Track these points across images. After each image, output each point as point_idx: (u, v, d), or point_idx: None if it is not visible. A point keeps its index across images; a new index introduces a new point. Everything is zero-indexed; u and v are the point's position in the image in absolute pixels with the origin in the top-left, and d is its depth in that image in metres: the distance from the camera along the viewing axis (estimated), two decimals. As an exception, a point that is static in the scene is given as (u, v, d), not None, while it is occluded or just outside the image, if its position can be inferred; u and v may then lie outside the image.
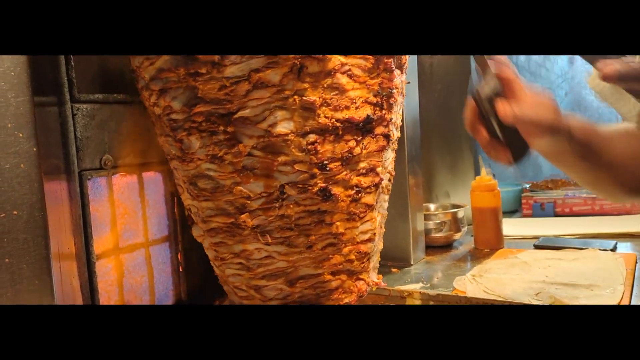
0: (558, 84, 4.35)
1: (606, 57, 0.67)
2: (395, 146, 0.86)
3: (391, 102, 0.76)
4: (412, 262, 1.36)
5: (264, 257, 0.80)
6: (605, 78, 0.67)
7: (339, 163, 0.73)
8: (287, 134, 0.71)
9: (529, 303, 1.00)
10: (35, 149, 0.57)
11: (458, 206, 1.59)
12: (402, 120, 0.97)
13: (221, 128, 0.71)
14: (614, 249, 1.37)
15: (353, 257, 0.81)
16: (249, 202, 0.75)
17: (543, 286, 1.10)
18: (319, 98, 0.70)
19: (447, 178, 1.82)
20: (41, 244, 0.58)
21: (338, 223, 0.78)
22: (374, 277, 0.88)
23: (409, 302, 1.11)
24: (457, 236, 1.54)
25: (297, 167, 0.72)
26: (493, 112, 0.77)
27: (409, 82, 0.83)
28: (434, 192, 1.82)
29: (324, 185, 0.73)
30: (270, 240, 0.77)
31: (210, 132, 0.72)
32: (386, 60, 0.74)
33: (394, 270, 1.31)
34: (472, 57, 0.75)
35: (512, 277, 1.17)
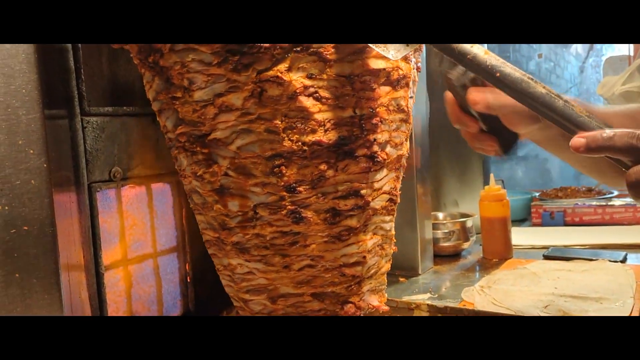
0: (567, 89, 4.32)
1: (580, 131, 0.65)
2: (402, 164, 0.84)
3: (374, 122, 0.74)
4: (420, 272, 1.36)
5: (246, 273, 0.81)
6: (575, 149, 0.63)
7: (308, 186, 0.72)
8: (253, 157, 0.71)
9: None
10: (45, 165, 0.58)
11: (467, 215, 1.59)
12: (411, 130, 0.95)
13: (198, 149, 0.73)
14: (624, 260, 1.36)
15: (336, 280, 0.80)
16: (227, 219, 0.76)
17: (552, 299, 1.09)
18: (281, 122, 0.69)
19: (456, 187, 1.82)
20: (51, 258, 0.58)
21: (314, 245, 0.77)
22: (373, 300, 0.87)
23: (417, 314, 1.11)
24: (465, 245, 1.54)
25: (266, 189, 0.73)
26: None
27: (411, 97, 0.81)
28: (443, 200, 1.82)
29: (293, 207, 0.73)
30: (248, 258, 0.78)
31: (191, 152, 0.74)
32: (363, 79, 0.72)
33: (401, 279, 1.31)
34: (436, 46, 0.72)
35: (521, 289, 1.17)
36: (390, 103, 0.75)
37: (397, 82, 0.76)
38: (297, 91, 0.68)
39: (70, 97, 0.76)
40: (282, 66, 0.66)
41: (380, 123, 0.75)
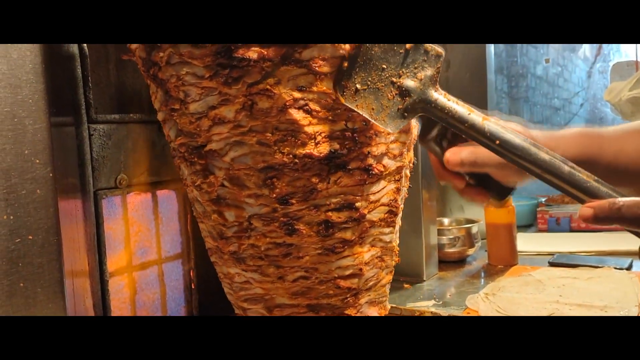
0: (575, 94, 4.31)
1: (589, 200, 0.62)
2: (404, 175, 0.83)
3: (368, 134, 0.74)
4: (424, 278, 1.35)
5: (243, 282, 0.81)
6: (584, 220, 0.61)
7: (300, 198, 0.73)
8: (246, 168, 0.72)
9: (542, 325, 0.99)
10: (51, 175, 0.58)
11: (472, 221, 1.58)
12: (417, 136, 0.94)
13: (196, 159, 0.74)
14: (629, 268, 1.35)
15: (331, 292, 0.80)
16: (224, 229, 0.77)
17: (557, 307, 1.09)
18: (272, 134, 0.69)
19: (462, 192, 1.81)
20: (55, 267, 0.59)
21: (307, 257, 0.77)
22: (372, 312, 0.87)
23: (421, 321, 1.11)
24: (470, 251, 1.53)
25: (259, 200, 0.73)
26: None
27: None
28: (449, 206, 1.81)
29: (285, 219, 0.73)
30: (245, 267, 0.79)
31: (190, 162, 0.75)
32: None
33: (406, 285, 1.31)
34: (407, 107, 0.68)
35: (526, 297, 1.16)
36: None
37: None
38: (287, 104, 0.68)
39: (77, 104, 0.77)
40: (272, 79, 0.67)
41: (375, 136, 0.75)
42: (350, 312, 0.84)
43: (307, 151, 0.69)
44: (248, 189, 0.72)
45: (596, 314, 1.04)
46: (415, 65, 0.67)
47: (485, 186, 0.73)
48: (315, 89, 0.68)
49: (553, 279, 1.28)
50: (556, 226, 1.87)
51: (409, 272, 1.35)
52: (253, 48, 0.65)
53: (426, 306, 1.14)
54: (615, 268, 1.34)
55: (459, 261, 1.53)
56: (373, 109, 0.67)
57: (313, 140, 0.69)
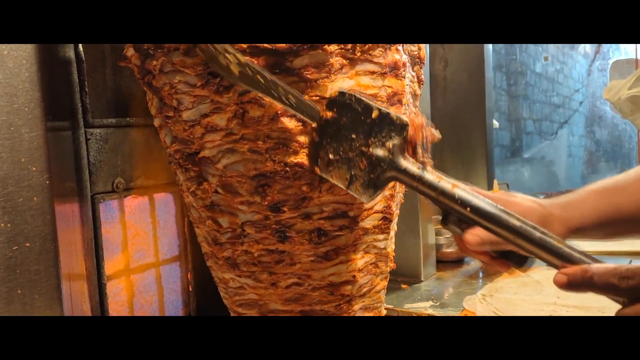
0: (575, 90, 4.30)
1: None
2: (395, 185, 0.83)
3: None
4: (422, 279, 1.35)
5: (238, 287, 0.82)
6: (558, 286, 0.62)
7: (292, 206, 0.73)
8: (238, 176, 0.72)
9: (539, 327, 0.99)
10: (47, 182, 0.58)
11: (470, 220, 1.59)
12: None
13: (190, 166, 0.75)
14: (627, 269, 1.36)
15: (324, 298, 0.81)
16: (218, 235, 0.78)
17: (554, 309, 1.09)
18: (264, 142, 0.70)
19: (460, 191, 1.82)
20: (52, 274, 0.59)
21: (300, 264, 0.77)
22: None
23: (418, 323, 1.11)
24: (468, 251, 1.53)
25: (251, 207, 0.73)
26: None
27: (404, 114, 0.79)
28: (447, 205, 1.82)
29: (277, 227, 0.74)
30: (239, 273, 0.79)
31: (185, 169, 0.76)
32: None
33: (404, 286, 1.31)
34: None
35: (524, 298, 1.16)
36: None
37: (387, 100, 0.75)
38: (279, 112, 0.68)
39: (74, 109, 0.77)
40: None
41: None
42: None
43: (298, 160, 0.69)
44: (241, 196, 0.73)
45: (593, 316, 1.04)
46: (383, 134, 0.67)
47: (506, 257, 0.73)
48: (307, 96, 0.68)
49: (551, 280, 1.27)
50: (554, 225, 1.87)
51: (406, 273, 1.35)
52: (244, 57, 0.65)
53: (424, 307, 1.15)
54: (613, 268, 1.34)
55: (457, 261, 1.53)
56: (347, 179, 0.68)
57: (305, 149, 0.69)
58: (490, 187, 1.60)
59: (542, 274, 1.32)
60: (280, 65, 0.66)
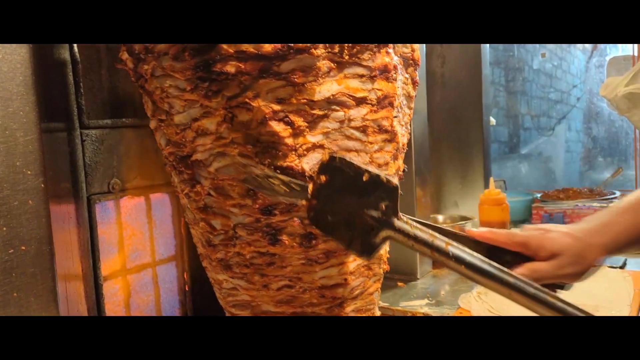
0: (573, 85, 4.30)
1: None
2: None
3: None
4: (418, 276, 1.36)
5: (231, 288, 0.83)
6: None
7: (283, 209, 0.73)
8: (229, 179, 0.72)
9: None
10: (42, 186, 0.58)
11: (466, 218, 1.59)
12: (410, 133, 0.94)
13: (183, 169, 0.75)
14: (623, 266, 1.36)
15: (316, 301, 0.81)
16: (212, 237, 0.78)
17: (548, 306, 1.10)
18: (254, 146, 0.70)
19: (457, 188, 1.82)
20: (48, 276, 0.59)
21: (290, 267, 0.78)
22: None
23: (413, 321, 1.12)
24: (465, 249, 1.54)
25: (242, 210, 0.74)
26: None
27: (396, 117, 0.80)
28: (443, 202, 1.82)
29: (268, 229, 0.74)
30: (231, 274, 0.80)
31: (179, 171, 0.77)
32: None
33: (400, 284, 1.32)
34: None
35: (518, 296, 1.17)
36: (369, 125, 0.75)
37: (377, 103, 0.75)
38: (267, 116, 0.68)
39: (69, 110, 0.78)
40: (250, 92, 0.67)
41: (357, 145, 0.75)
42: None
43: (287, 164, 0.70)
44: (232, 198, 0.73)
45: (587, 314, 1.05)
46: (376, 196, 0.69)
47: None
48: (294, 100, 0.68)
49: (546, 278, 1.28)
50: (551, 222, 1.88)
51: (402, 271, 1.36)
52: (231, 62, 0.65)
53: (419, 305, 1.15)
54: (609, 266, 1.35)
55: (454, 258, 1.53)
56: (346, 239, 0.70)
57: (294, 152, 0.70)
58: (486, 183, 1.61)
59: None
60: (268, 69, 0.66)
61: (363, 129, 0.74)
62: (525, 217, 2.01)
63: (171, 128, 0.74)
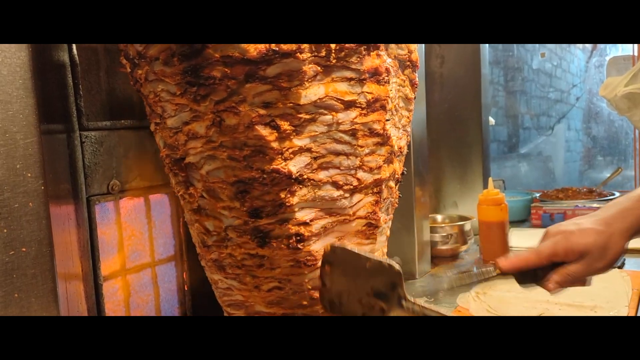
0: (572, 85, 4.30)
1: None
2: (387, 187, 0.83)
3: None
4: (417, 276, 1.36)
5: (226, 288, 0.84)
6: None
7: (270, 212, 0.74)
8: (219, 182, 0.73)
9: (530, 325, 1.00)
10: (42, 188, 0.59)
11: (465, 218, 1.60)
12: (410, 135, 0.94)
13: (178, 171, 0.77)
14: (621, 266, 1.37)
15: (305, 302, 0.82)
16: (206, 238, 0.80)
17: (547, 307, 1.10)
18: (241, 150, 0.71)
19: (456, 188, 1.83)
20: (49, 278, 0.60)
21: (280, 269, 0.78)
22: None
23: (411, 321, 1.12)
24: (463, 248, 1.55)
25: (232, 213, 0.75)
26: None
27: (388, 120, 0.80)
28: (442, 202, 1.83)
29: (256, 232, 0.75)
30: (225, 275, 0.81)
31: (174, 173, 0.78)
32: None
33: (399, 283, 1.32)
34: None
35: (517, 295, 1.17)
36: (359, 128, 0.75)
37: (367, 107, 0.75)
38: (253, 120, 0.69)
39: (68, 112, 0.78)
40: (237, 97, 0.68)
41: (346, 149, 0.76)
42: None
43: (274, 167, 0.70)
44: (222, 201, 0.74)
45: (586, 314, 1.05)
46: (381, 279, 0.73)
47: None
48: (280, 104, 0.69)
49: (544, 277, 1.29)
50: (550, 222, 1.88)
51: (401, 270, 1.36)
52: (218, 67, 0.66)
53: (418, 305, 1.16)
54: (606, 266, 1.35)
55: (452, 257, 1.54)
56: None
57: (280, 156, 0.70)
58: (485, 183, 1.61)
59: (535, 271, 1.33)
60: (254, 74, 0.67)
61: (352, 133, 0.74)
62: (524, 217, 2.02)
63: (165, 131, 0.75)
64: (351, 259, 0.74)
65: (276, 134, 0.70)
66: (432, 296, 1.21)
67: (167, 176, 0.88)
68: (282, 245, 0.75)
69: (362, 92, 0.73)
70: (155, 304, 0.94)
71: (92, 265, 0.80)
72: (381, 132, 0.77)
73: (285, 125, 0.69)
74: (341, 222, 0.78)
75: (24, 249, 0.58)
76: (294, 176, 0.71)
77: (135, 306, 0.90)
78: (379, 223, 0.83)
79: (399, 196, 0.91)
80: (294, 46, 0.66)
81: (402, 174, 0.87)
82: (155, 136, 0.79)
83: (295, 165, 0.71)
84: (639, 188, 0.83)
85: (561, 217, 1.87)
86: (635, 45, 2.46)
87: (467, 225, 1.55)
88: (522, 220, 2.02)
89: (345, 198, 0.77)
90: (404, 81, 0.82)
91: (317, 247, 0.77)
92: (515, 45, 3.68)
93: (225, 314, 0.89)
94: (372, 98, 0.75)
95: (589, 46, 4.45)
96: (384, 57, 0.76)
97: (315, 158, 0.73)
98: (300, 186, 0.72)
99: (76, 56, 0.79)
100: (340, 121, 0.73)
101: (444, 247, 1.52)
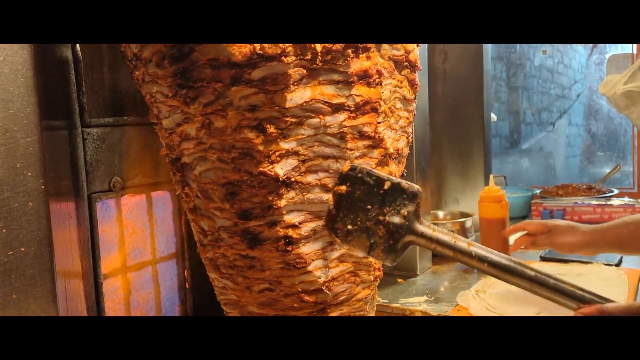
0: (574, 81, 4.29)
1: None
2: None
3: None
4: (418, 273, 1.37)
5: (221, 287, 0.84)
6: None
7: (259, 214, 0.74)
8: (210, 183, 0.74)
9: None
10: (43, 187, 0.59)
11: (466, 215, 1.59)
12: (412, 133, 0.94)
13: (174, 171, 0.77)
14: (619, 264, 1.37)
15: (296, 304, 0.81)
16: (202, 237, 0.80)
17: (545, 305, 1.10)
18: (229, 152, 0.71)
19: (458, 185, 1.82)
20: (48, 278, 0.60)
21: (270, 271, 0.78)
22: None
23: (411, 320, 1.12)
24: (464, 246, 1.54)
25: (223, 214, 0.75)
26: None
27: (379, 122, 0.79)
28: (444, 198, 1.82)
29: (246, 233, 0.75)
30: (219, 274, 0.81)
31: (173, 173, 0.78)
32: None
33: (399, 280, 1.32)
34: None
35: (515, 294, 1.17)
36: (348, 131, 0.74)
37: (356, 109, 0.74)
38: (240, 123, 0.69)
39: (71, 109, 0.78)
40: (224, 100, 0.68)
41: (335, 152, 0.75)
42: None
43: (261, 169, 0.70)
44: (214, 202, 0.75)
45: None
46: (397, 203, 0.72)
47: None
48: (267, 108, 0.69)
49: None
50: (550, 218, 1.88)
51: (402, 267, 1.36)
52: (205, 70, 0.67)
53: (418, 302, 1.16)
54: (605, 264, 1.35)
55: (453, 255, 1.54)
56: (367, 246, 0.72)
57: (267, 159, 0.70)
58: (487, 180, 1.61)
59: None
60: (240, 77, 0.67)
61: (341, 136, 0.74)
62: (524, 214, 2.02)
63: (162, 131, 0.76)
64: (369, 180, 0.72)
65: (262, 137, 0.69)
66: (432, 294, 1.21)
67: (169, 173, 0.88)
68: (272, 248, 0.75)
69: (351, 94, 0.73)
70: (155, 302, 0.93)
71: (93, 263, 0.80)
72: (372, 134, 0.76)
73: (271, 129, 0.69)
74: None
75: (23, 249, 0.58)
76: (281, 179, 0.71)
77: (136, 304, 0.90)
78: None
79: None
80: (278, 50, 0.66)
81: (402, 175, 0.86)
82: (159, 135, 0.80)
83: (282, 168, 0.71)
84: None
85: (561, 213, 1.87)
86: (635, 44, 2.44)
87: (468, 222, 1.55)
88: (523, 216, 2.02)
89: None
90: (401, 82, 0.81)
91: (307, 249, 0.77)
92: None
93: (225, 313, 0.89)
94: (362, 101, 0.74)
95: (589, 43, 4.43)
96: (375, 58, 0.75)
97: (303, 161, 0.72)
98: (288, 189, 0.72)
99: (79, 52, 0.79)
100: (328, 124, 0.72)
101: (445, 244, 1.52)
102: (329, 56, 0.69)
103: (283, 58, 0.66)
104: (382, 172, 0.72)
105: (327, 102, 0.71)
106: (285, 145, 0.70)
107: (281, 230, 0.74)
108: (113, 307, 0.85)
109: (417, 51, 0.84)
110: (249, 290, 0.80)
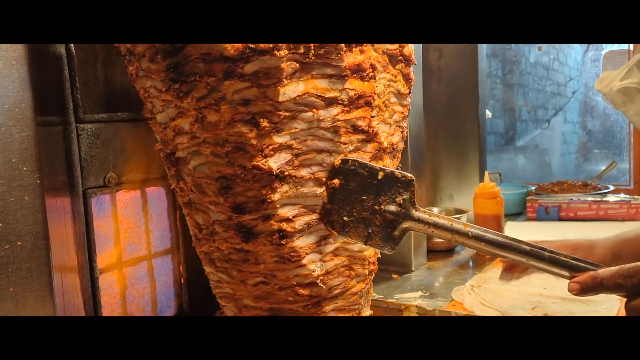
0: (570, 78, 4.31)
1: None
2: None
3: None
4: (413, 268, 1.37)
5: (216, 281, 0.85)
6: (572, 292, 0.71)
7: (253, 208, 0.74)
8: (204, 177, 0.74)
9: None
10: (38, 182, 0.59)
11: (461, 211, 1.60)
12: (407, 128, 0.94)
13: (169, 165, 0.78)
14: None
15: (291, 298, 0.81)
16: (197, 231, 0.81)
17: (540, 300, 1.11)
18: (223, 146, 0.71)
19: (453, 181, 1.83)
20: (44, 271, 0.60)
21: (264, 264, 0.78)
22: None
23: (406, 314, 1.13)
24: (459, 242, 1.55)
25: (217, 208, 0.75)
26: None
27: (373, 116, 0.78)
28: (439, 194, 1.83)
29: (240, 227, 0.75)
30: (214, 268, 0.82)
31: (167, 167, 0.79)
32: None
33: (394, 276, 1.33)
34: None
35: (511, 289, 1.18)
36: (341, 125, 0.74)
37: (350, 103, 0.74)
38: (233, 117, 0.69)
39: (65, 105, 0.78)
40: (217, 94, 0.68)
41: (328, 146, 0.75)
42: None
43: (255, 163, 0.70)
44: (208, 196, 0.75)
45: (578, 307, 1.06)
46: (392, 192, 0.73)
47: None
48: (260, 102, 0.69)
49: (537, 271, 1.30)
50: (545, 215, 1.89)
51: (397, 263, 1.37)
52: (198, 64, 0.67)
53: (413, 298, 1.17)
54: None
55: (448, 251, 1.55)
56: (365, 236, 0.74)
57: (261, 153, 0.70)
58: (482, 176, 1.62)
59: (530, 265, 1.34)
60: (232, 71, 0.67)
61: (334, 130, 0.74)
62: (519, 210, 2.03)
63: (156, 126, 0.77)
64: (362, 171, 0.73)
65: (256, 131, 0.70)
66: (427, 289, 1.22)
67: (163, 169, 0.88)
68: (266, 241, 0.76)
69: (344, 88, 0.73)
70: (151, 297, 0.94)
71: (88, 258, 0.80)
72: (366, 128, 0.76)
73: (264, 123, 0.69)
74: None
75: (19, 243, 0.58)
76: (274, 173, 0.71)
77: (132, 299, 0.90)
78: None
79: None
80: (271, 43, 0.66)
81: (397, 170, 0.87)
82: (154, 130, 0.81)
83: (275, 162, 0.71)
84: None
85: (556, 210, 1.89)
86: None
87: (463, 218, 1.55)
88: (518, 213, 2.03)
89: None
90: (396, 76, 0.82)
91: (301, 243, 0.77)
92: (513, 37, 3.67)
93: (220, 306, 0.89)
94: (355, 95, 0.74)
95: (586, 39, 4.41)
96: (369, 52, 0.75)
97: (296, 155, 0.72)
98: (282, 183, 0.72)
99: (73, 48, 0.79)
100: (321, 118, 0.72)
101: (440, 240, 1.52)
102: (322, 50, 0.70)
103: (276, 52, 0.66)
104: (373, 163, 0.74)
105: (320, 96, 0.71)
106: (279, 139, 0.71)
107: (275, 223, 0.74)
108: (109, 302, 0.86)
109: (412, 45, 0.84)
110: (243, 284, 0.81)
